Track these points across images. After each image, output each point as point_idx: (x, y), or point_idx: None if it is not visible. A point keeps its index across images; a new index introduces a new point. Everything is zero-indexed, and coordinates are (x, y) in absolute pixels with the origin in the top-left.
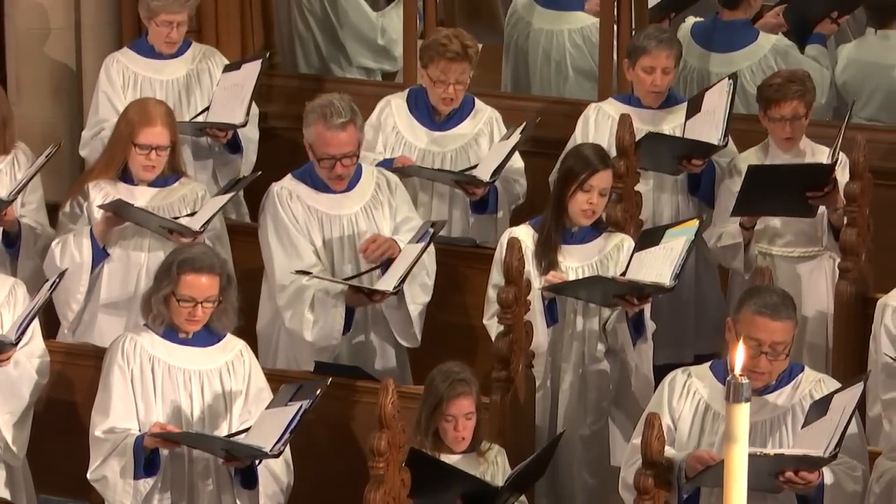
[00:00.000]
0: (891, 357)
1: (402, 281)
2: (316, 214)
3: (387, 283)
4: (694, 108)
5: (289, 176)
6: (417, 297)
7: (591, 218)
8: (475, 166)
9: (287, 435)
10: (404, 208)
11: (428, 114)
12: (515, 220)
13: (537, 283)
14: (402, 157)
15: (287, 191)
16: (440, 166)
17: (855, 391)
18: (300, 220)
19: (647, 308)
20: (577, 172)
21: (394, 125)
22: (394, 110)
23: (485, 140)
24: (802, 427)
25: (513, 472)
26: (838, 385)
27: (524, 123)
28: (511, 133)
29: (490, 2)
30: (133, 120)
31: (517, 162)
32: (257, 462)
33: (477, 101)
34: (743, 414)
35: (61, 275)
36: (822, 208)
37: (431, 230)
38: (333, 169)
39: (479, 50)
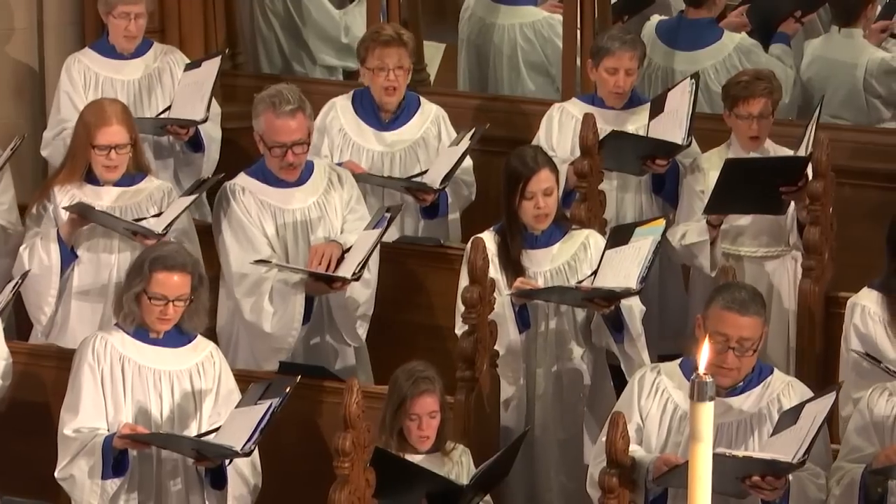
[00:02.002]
0: (858, 353)
1: (362, 267)
2: (269, 208)
3: (346, 269)
4: (657, 109)
5: (241, 173)
6: (359, 294)
7: (546, 221)
8: (424, 172)
9: (257, 434)
10: (353, 201)
11: (374, 114)
12: (480, 222)
13: (506, 290)
14: (349, 162)
15: (239, 186)
16: (389, 166)
17: (826, 401)
18: (253, 214)
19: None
20: (515, 179)
21: (340, 127)
22: (339, 112)
23: (433, 139)
24: (772, 435)
25: (477, 472)
26: (806, 388)
27: (473, 129)
28: (460, 138)
29: (455, 2)
30: (89, 122)
31: (466, 162)
32: (227, 462)
33: (422, 99)
34: (707, 413)
35: (24, 276)
36: (790, 207)
37: (388, 215)
38: (285, 157)
39: (414, 40)
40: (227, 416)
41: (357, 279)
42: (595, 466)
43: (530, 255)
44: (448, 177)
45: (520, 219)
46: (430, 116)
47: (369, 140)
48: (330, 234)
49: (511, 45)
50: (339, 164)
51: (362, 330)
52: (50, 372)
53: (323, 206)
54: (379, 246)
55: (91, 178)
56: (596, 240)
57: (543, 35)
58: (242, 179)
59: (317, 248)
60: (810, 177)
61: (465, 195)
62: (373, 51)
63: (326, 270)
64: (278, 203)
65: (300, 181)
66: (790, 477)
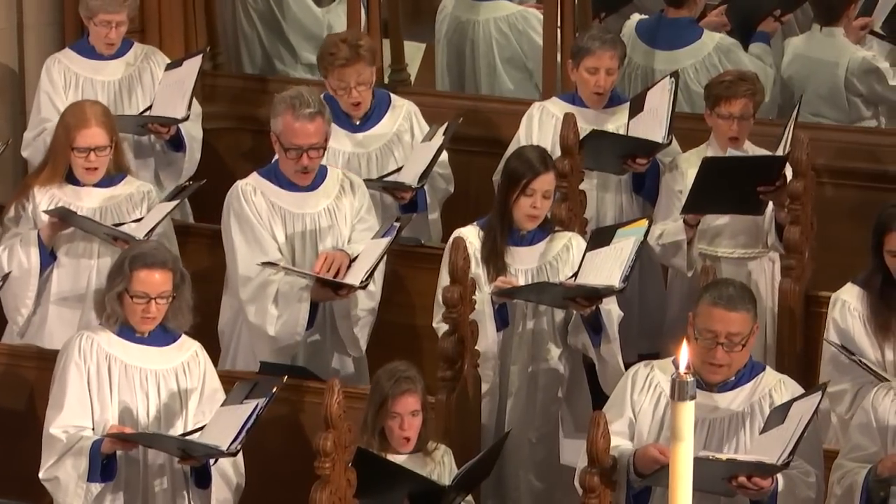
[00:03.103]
0: (835, 345)
1: (370, 276)
2: (279, 211)
3: (354, 277)
4: (637, 108)
5: (254, 173)
6: (362, 303)
7: (535, 222)
8: (399, 169)
9: (244, 433)
10: (364, 211)
11: (346, 116)
12: (460, 222)
13: (486, 287)
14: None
15: (251, 186)
16: (366, 166)
17: (812, 400)
18: (263, 215)
19: (613, 298)
20: (519, 176)
21: None
22: None
23: (407, 135)
24: (762, 432)
25: (459, 472)
26: (798, 386)
27: (446, 124)
28: (433, 134)
29: (431, 3)
30: (69, 124)
31: (440, 156)
32: (212, 462)
33: (393, 96)
34: (688, 412)
35: (4, 277)
36: (768, 208)
37: (396, 224)
38: (300, 160)
39: (373, 46)
40: (214, 415)
41: (364, 287)
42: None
43: (513, 253)
44: (425, 174)
45: (511, 215)
46: (401, 113)
47: (342, 142)
48: (338, 241)
49: (487, 41)
50: None
51: (364, 341)
52: (31, 372)
53: (333, 212)
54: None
55: (71, 179)
56: (578, 242)
57: (518, 28)
58: (255, 180)
59: (326, 255)
60: (788, 177)
61: (443, 189)
62: (331, 72)
63: (334, 277)
64: (289, 206)
65: (313, 186)
66: (779, 476)
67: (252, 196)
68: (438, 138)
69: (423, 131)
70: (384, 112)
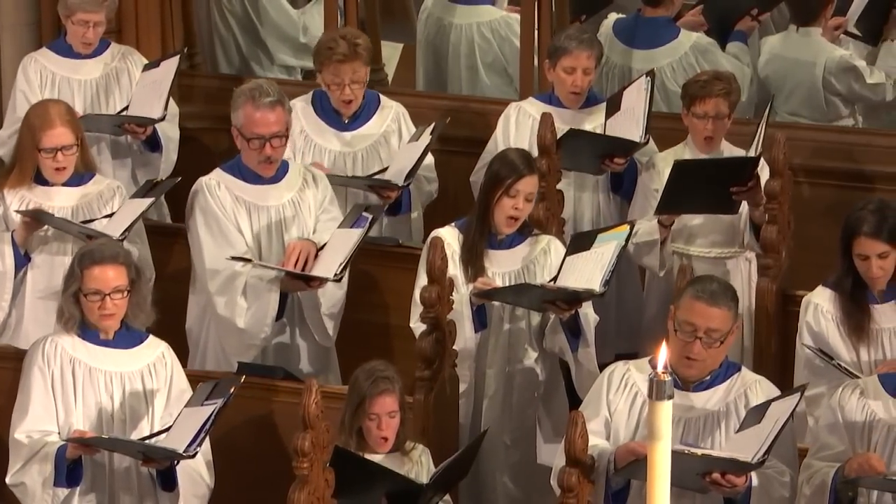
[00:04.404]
0: (811, 349)
1: (344, 268)
2: (244, 204)
3: (327, 269)
4: (613, 107)
5: (217, 169)
6: (331, 293)
7: (514, 225)
8: (386, 169)
9: (202, 435)
10: (327, 202)
11: (334, 114)
12: (438, 221)
13: (464, 288)
14: (316, 163)
15: (215, 181)
16: (351, 166)
17: (790, 402)
18: (228, 209)
19: (590, 301)
20: (503, 177)
21: (301, 129)
22: (300, 114)
23: (394, 137)
24: (738, 431)
25: (437, 471)
26: (774, 387)
27: (433, 124)
28: (420, 134)
29: (403, 1)
30: (34, 125)
31: (427, 158)
32: (176, 463)
33: (382, 97)
34: (666, 411)
35: None
36: (743, 208)
37: (368, 216)
38: (262, 150)
39: (370, 46)
40: (178, 416)
41: (339, 280)
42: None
43: (491, 256)
44: (411, 173)
45: (492, 217)
46: (390, 114)
47: (330, 140)
48: (304, 232)
49: (469, 45)
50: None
51: (333, 330)
52: (8, 374)
53: (297, 203)
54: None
55: (40, 180)
56: (556, 246)
57: (501, 34)
58: (218, 175)
59: (293, 245)
60: (761, 177)
61: (427, 190)
62: (328, 67)
63: (303, 269)
64: (253, 199)
65: (276, 178)
66: (754, 475)
67: (216, 190)
68: (425, 138)
69: (410, 133)
70: (373, 112)
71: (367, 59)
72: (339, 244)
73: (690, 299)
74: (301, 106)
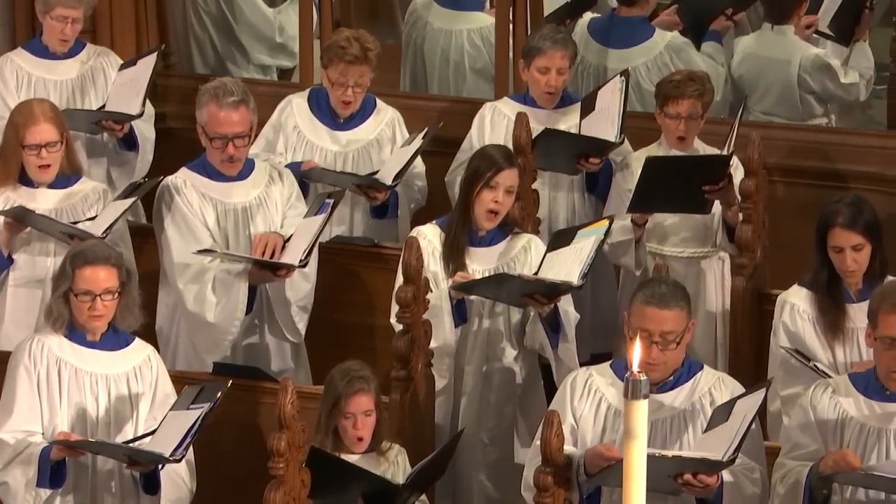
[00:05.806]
0: (788, 350)
1: (308, 253)
2: (210, 201)
3: (292, 256)
4: (588, 107)
5: (183, 168)
6: (299, 287)
7: (495, 220)
8: (376, 172)
9: (188, 440)
10: (294, 198)
11: (329, 114)
12: (414, 219)
13: (444, 283)
14: (308, 161)
15: (181, 180)
16: (342, 166)
17: (756, 397)
18: (195, 206)
19: (569, 299)
20: (482, 171)
21: (295, 125)
22: (294, 110)
23: (387, 142)
24: (705, 431)
25: (413, 471)
26: (737, 383)
27: (427, 129)
28: (413, 138)
29: (388, 2)
30: (17, 122)
31: (417, 165)
32: (160, 466)
33: (378, 101)
34: (641, 410)
35: None
36: (716, 208)
37: (330, 201)
38: (226, 149)
39: (379, 52)
40: (164, 420)
41: (304, 266)
42: (530, 469)
43: (472, 253)
44: (400, 175)
45: (472, 211)
46: (385, 118)
47: (323, 139)
48: (270, 227)
49: (458, 51)
50: (298, 164)
51: (302, 324)
52: None
53: (264, 200)
54: (318, 245)
55: (25, 181)
56: (537, 244)
57: (491, 41)
58: (184, 173)
59: (260, 236)
60: (735, 177)
61: (415, 195)
62: (336, 66)
63: (270, 258)
64: (220, 196)
65: (242, 175)
66: (723, 474)
67: (183, 188)
68: (417, 142)
69: (404, 139)
70: (368, 115)
71: (374, 65)
72: (304, 232)
73: (641, 305)
74: (297, 102)
